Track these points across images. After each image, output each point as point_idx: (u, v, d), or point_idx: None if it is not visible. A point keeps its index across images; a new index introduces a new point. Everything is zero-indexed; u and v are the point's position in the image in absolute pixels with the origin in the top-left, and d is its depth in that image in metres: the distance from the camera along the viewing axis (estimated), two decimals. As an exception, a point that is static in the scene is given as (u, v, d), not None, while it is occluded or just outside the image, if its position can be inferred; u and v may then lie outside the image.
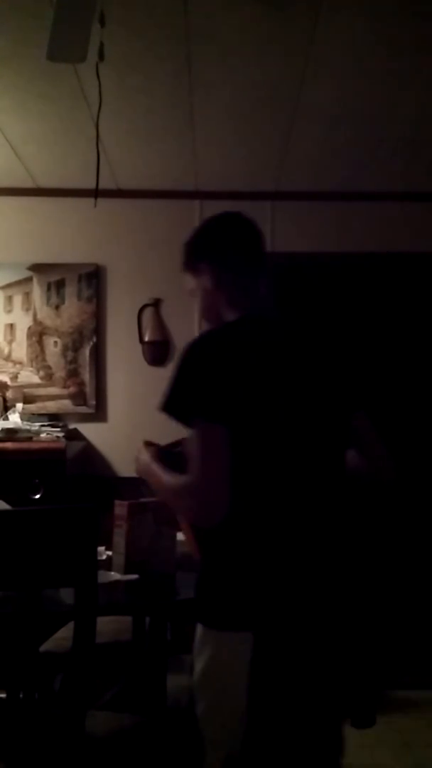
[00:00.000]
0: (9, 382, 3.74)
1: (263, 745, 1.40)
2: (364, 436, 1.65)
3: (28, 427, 3.37)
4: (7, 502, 2.28)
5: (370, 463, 1.66)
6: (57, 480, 3.18)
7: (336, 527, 1.52)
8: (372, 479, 1.67)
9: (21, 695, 1.82)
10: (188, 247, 1.70)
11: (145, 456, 1.63)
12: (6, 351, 3.78)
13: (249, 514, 1.43)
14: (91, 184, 2.49)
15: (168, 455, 1.62)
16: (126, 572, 1.99)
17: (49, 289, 3.79)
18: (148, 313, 3.80)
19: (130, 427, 3.71)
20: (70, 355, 3.77)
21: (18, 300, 3.79)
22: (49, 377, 3.76)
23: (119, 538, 2.05)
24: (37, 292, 3.79)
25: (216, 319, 1.64)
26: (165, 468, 1.54)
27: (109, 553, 2.12)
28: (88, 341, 3.78)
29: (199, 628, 1.44)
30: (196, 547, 1.63)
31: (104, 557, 2.12)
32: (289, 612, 1.41)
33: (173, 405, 1.45)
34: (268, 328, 1.56)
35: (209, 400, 1.42)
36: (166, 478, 1.50)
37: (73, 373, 3.76)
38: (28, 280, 3.79)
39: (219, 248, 1.64)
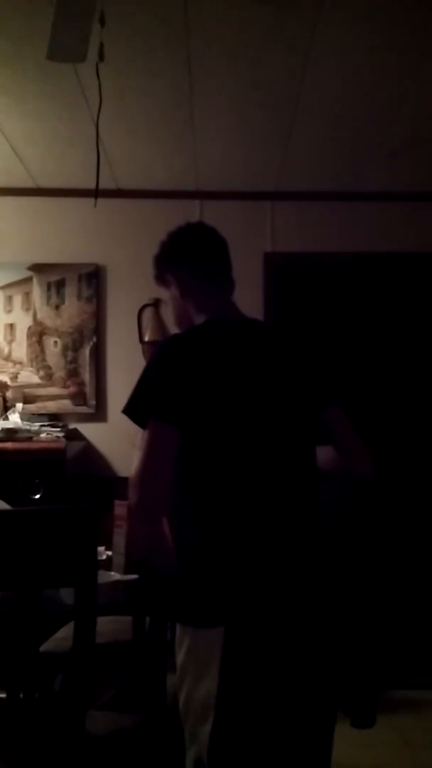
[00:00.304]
0: (9, 382, 3.74)
1: (229, 736, 1.41)
2: (337, 431, 1.67)
3: (28, 427, 3.37)
4: (7, 502, 2.28)
5: (346, 458, 1.68)
6: (57, 480, 3.18)
7: (306, 523, 1.54)
8: (350, 474, 1.69)
9: (21, 695, 1.82)
10: (155, 261, 1.77)
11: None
12: (6, 351, 3.78)
13: (216, 515, 1.48)
14: (91, 184, 2.49)
15: None
16: (126, 572, 1.99)
17: (49, 289, 3.79)
18: (148, 313, 3.79)
19: (130, 427, 3.67)
20: (70, 355, 3.77)
21: (18, 300, 3.79)
22: (49, 377, 3.76)
23: (119, 538, 2.05)
24: (37, 292, 3.79)
25: (188, 325, 1.71)
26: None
27: (109, 553, 2.12)
28: (88, 341, 3.77)
29: (178, 627, 1.49)
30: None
31: (104, 557, 2.12)
32: (258, 606, 1.44)
33: (131, 407, 1.52)
34: (231, 331, 1.60)
35: (159, 400, 1.48)
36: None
37: (73, 373, 3.76)
38: (28, 280, 3.79)
39: (181, 258, 1.71)
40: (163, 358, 1.54)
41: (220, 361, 1.52)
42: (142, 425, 1.51)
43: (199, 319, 1.66)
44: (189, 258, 1.71)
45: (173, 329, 3.94)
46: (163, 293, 1.82)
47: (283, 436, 1.54)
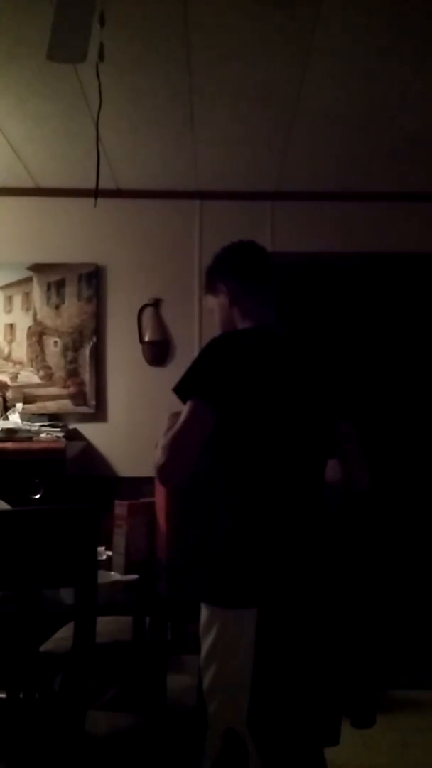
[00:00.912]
0: (9, 382, 3.74)
1: (268, 712, 1.57)
2: (345, 445, 1.85)
3: (28, 427, 3.37)
4: (7, 502, 2.28)
5: (347, 471, 1.85)
6: (57, 480, 3.18)
7: (315, 519, 1.72)
8: (347, 488, 1.86)
9: (21, 695, 1.82)
10: (208, 271, 1.96)
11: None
12: (6, 351, 3.78)
13: (249, 506, 1.64)
14: (91, 184, 2.49)
15: None
16: (126, 572, 1.99)
17: (49, 289, 3.79)
18: (148, 313, 3.80)
19: (130, 427, 3.71)
20: (70, 355, 3.77)
21: (18, 300, 3.79)
22: (49, 377, 3.76)
23: (119, 538, 2.05)
24: (37, 292, 3.79)
25: (233, 330, 1.88)
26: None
27: (109, 553, 2.12)
28: (88, 341, 3.77)
29: (206, 610, 1.63)
30: (164, 549, 1.73)
31: (104, 557, 2.12)
32: (289, 589, 1.61)
33: (180, 386, 1.69)
34: (275, 339, 1.80)
35: (205, 383, 1.66)
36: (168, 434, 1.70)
37: (73, 373, 3.76)
38: (28, 280, 3.79)
39: (235, 271, 1.90)
40: (217, 348, 1.71)
41: (263, 363, 1.70)
42: (185, 402, 1.68)
43: (244, 326, 1.85)
44: (242, 272, 1.89)
45: (173, 329, 3.99)
46: (209, 300, 1.99)
47: (306, 439, 1.73)
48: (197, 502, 1.79)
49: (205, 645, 1.63)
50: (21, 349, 3.78)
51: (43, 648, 2.30)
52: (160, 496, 2.00)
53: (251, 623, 1.56)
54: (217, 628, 1.60)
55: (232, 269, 1.90)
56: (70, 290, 3.79)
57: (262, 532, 1.63)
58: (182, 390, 1.69)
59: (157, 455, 1.65)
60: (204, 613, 1.65)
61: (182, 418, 1.64)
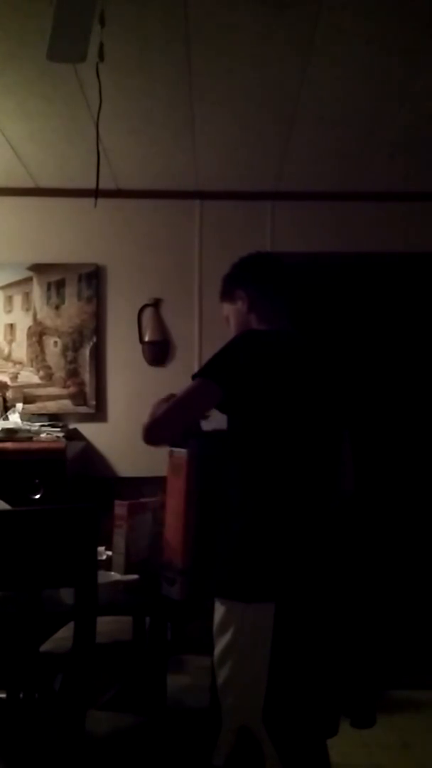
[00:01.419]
0: (9, 382, 3.74)
1: (284, 708, 1.60)
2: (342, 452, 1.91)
3: (28, 427, 3.37)
4: (7, 502, 2.28)
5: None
6: (57, 480, 3.18)
7: (325, 518, 1.77)
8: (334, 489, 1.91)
9: (21, 695, 1.82)
10: (226, 279, 2.03)
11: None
12: (6, 351, 3.78)
13: (267, 503, 1.69)
14: (91, 184, 2.49)
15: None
16: (126, 572, 1.99)
17: (49, 289, 3.79)
18: (148, 313, 3.80)
19: (130, 427, 3.70)
20: (70, 355, 3.77)
21: (18, 300, 3.79)
22: (49, 377, 3.76)
23: (119, 538, 2.05)
24: (37, 292, 3.79)
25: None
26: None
27: (109, 553, 2.12)
28: (88, 341, 3.78)
29: (222, 607, 1.67)
30: (179, 552, 1.73)
31: (104, 557, 2.12)
32: (306, 583, 1.65)
33: (197, 372, 1.76)
34: (294, 342, 1.87)
35: (219, 368, 1.74)
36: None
37: (73, 373, 3.76)
38: (28, 280, 3.79)
39: (253, 277, 1.98)
40: (240, 342, 1.79)
41: (283, 362, 1.78)
42: None
43: (261, 329, 1.92)
44: (260, 280, 1.98)
45: (173, 329, 3.99)
46: (225, 308, 2.05)
47: (321, 436, 1.79)
48: (214, 503, 1.79)
49: (221, 642, 1.65)
50: (21, 349, 3.78)
51: (43, 648, 2.30)
52: (175, 497, 1.96)
53: (269, 619, 1.59)
54: (234, 625, 1.63)
55: (252, 277, 1.98)
56: (70, 290, 3.79)
57: (279, 527, 1.67)
58: (197, 374, 1.77)
59: (151, 412, 1.76)
60: (219, 609, 1.67)
61: (185, 391, 1.74)
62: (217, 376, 1.73)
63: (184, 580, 1.79)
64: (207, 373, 1.74)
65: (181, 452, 1.84)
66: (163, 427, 1.75)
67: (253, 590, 1.63)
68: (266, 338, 1.84)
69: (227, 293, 2.02)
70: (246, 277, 1.99)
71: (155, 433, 1.77)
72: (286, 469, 1.72)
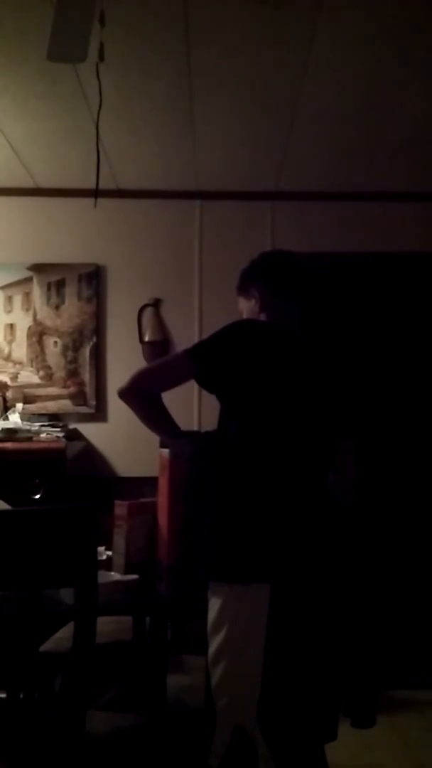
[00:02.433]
0: (9, 382, 3.74)
1: (278, 707, 1.58)
2: (341, 460, 1.91)
3: (28, 427, 3.37)
4: (7, 502, 2.28)
5: (337, 482, 1.91)
6: (57, 480, 3.18)
7: (321, 507, 1.76)
8: (333, 495, 1.90)
9: (21, 695, 1.82)
10: (244, 273, 2.00)
11: None
12: (6, 351, 3.78)
13: (262, 484, 1.68)
14: (91, 184, 2.49)
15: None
16: (126, 572, 1.99)
17: (49, 289, 3.79)
18: (148, 313, 3.80)
19: (130, 427, 3.67)
20: (70, 355, 3.77)
21: (18, 300, 3.79)
22: (49, 377, 3.76)
23: (119, 538, 2.05)
24: (37, 292, 3.79)
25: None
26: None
27: (109, 553, 2.12)
28: (88, 341, 3.78)
29: (215, 605, 1.64)
30: (166, 549, 1.74)
31: (104, 557, 2.12)
32: (301, 565, 1.63)
33: (188, 348, 1.77)
34: (295, 341, 1.84)
35: (203, 349, 1.76)
36: None
37: (73, 373, 3.76)
38: (28, 280, 3.79)
39: (269, 277, 1.95)
40: (235, 328, 1.79)
41: (277, 356, 1.76)
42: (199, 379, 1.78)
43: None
44: (275, 280, 1.94)
45: (173, 329, 3.99)
46: (240, 302, 2.03)
47: (309, 424, 1.78)
48: (201, 500, 1.79)
49: (215, 641, 1.63)
50: (21, 349, 3.78)
51: (43, 648, 2.30)
52: (162, 496, 2.00)
53: (263, 614, 1.57)
54: (228, 623, 1.61)
55: (267, 276, 1.95)
56: (70, 290, 3.79)
57: (266, 508, 1.66)
58: (186, 349, 1.79)
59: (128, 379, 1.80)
60: (213, 607, 1.65)
61: (165, 359, 1.83)
62: (197, 357, 1.75)
63: (170, 577, 1.81)
64: (191, 351, 1.77)
65: (165, 452, 1.90)
66: (132, 391, 1.78)
67: (248, 570, 1.61)
68: (262, 328, 1.83)
69: (243, 288, 2.00)
70: (262, 276, 1.96)
71: (125, 396, 1.79)
72: (273, 450, 1.71)
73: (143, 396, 1.83)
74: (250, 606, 1.60)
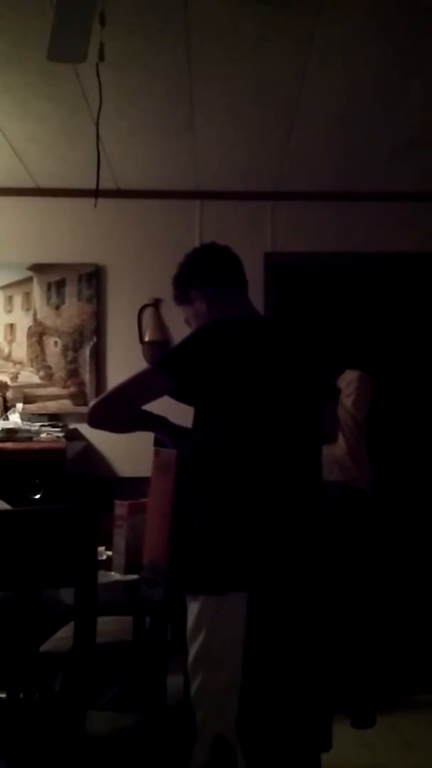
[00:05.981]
0: (9, 382, 3.74)
1: (258, 714, 1.54)
2: (327, 417, 1.89)
3: (28, 427, 3.37)
4: (7, 502, 2.28)
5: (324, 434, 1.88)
6: (57, 480, 3.18)
7: (316, 508, 1.72)
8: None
9: (21, 695, 1.82)
10: (177, 281, 1.93)
11: None
12: (6, 351, 3.78)
13: (242, 490, 1.63)
14: (91, 184, 2.49)
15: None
16: (126, 572, 1.99)
17: (49, 289, 3.79)
18: (148, 313, 3.80)
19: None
20: (70, 355, 3.77)
21: (18, 300, 3.79)
22: (49, 377, 3.76)
23: (119, 538, 2.05)
24: (37, 292, 3.79)
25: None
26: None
27: (109, 553, 2.12)
28: (88, 341, 3.78)
29: (193, 610, 1.60)
30: (165, 553, 1.73)
31: (104, 557, 2.12)
32: (279, 571, 1.58)
33: (156, 362, 1.72)
34: (262, 326, 1.83)
35: (176, 359, 1.70)
36: None
37: (73, 373, 3.76)
38: (28, 280, 3.79)
39: (205, 275, 1.89)
40: (203, 334, 1.74)
41: (251, 348, 1.72)
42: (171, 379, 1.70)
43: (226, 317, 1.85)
44: (212, 275, 1.88)
45: (173, 329, 3.98)
46: (183, 310, 1.98)
47: (296, 420, 1.73)
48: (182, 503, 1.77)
49: (193, 649, 1.60)
50: (21, 349, 3.78)
51: (43, 648, 2.30)
52: (159, 499, 1.97)
53: (240, 624, 1.54)
54: (206, 629, 1.57)
55: (203, 274, 1.90)
56: (70, 290, 3.79)
57: (254, 518, 1.61)
58: (154, 363, 1.74)
59: (98, 397, 1.76)
60: (191, 613, 1.62)
61: (135, 376, 1.70)
62: (171, 368, 1.68)
63: (167, 581, 1.80)
64: (161, 364, 1.70)
65: (171, 452, 1.85)
66: (106, 414, 1.73)
67: (225, 580, 1.57)
68: (230, 326, 1.76)
69: (182, 296, 1.94)
70: (197, 276, 1.90)
71: (97, 419, 1.74)
72: (254, 455, 1.66)
73: (108, 424, 1.77)
74: (227, 613, 1.56)
